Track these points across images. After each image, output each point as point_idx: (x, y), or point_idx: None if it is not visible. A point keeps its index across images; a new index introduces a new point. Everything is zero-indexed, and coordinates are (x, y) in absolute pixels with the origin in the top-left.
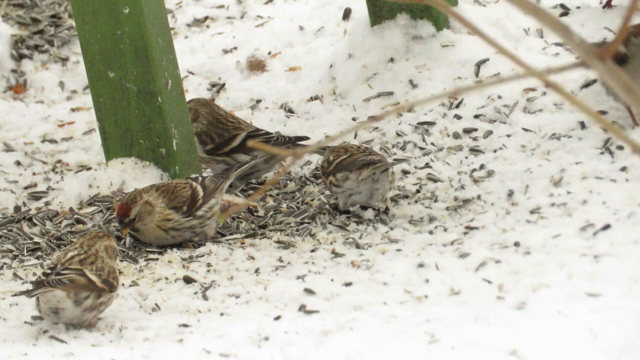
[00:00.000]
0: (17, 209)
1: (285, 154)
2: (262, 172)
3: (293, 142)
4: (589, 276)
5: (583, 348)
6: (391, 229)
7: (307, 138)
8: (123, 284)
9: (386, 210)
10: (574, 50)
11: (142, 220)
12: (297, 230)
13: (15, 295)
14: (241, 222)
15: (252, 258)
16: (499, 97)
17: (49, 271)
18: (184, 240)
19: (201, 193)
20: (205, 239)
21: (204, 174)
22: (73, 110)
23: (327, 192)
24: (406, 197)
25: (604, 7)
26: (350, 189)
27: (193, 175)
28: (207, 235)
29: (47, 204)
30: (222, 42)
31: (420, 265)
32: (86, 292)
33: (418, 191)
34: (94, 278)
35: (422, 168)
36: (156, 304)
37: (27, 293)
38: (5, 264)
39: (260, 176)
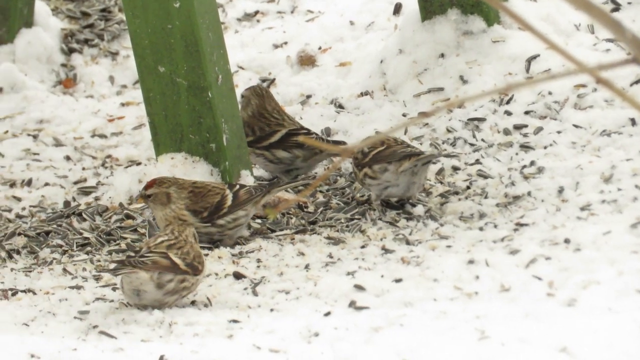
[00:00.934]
0: (66, 204)
1: (336, 150)
2: (301, 171)
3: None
4: (639, 273)
5: (633, 345)
6: (441, 225)
7: (344, 143)
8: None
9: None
10: (625, 46)
11: (153, 203)
12: (347, 226)
13: (100, 271)
14: (291, 218)
15: (302, 254)
16: (550, 93)
17: (133, 254)
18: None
19: (229, 203)
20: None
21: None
22: (123, 104)
23: (357, 185)
24: (456, 193)
25: None
26: (388, 182)
27: (239, 183)
28: (224, 244)
29: (96, 199)
30: (272, 36)
31: (471, 262)
32: (169, 275)
33: (468, 187)
34: (177, 261)
35: (472, 164)
36: (207, 299)
37: (113, 271)
38: (54, 259)
39: (301, 174)
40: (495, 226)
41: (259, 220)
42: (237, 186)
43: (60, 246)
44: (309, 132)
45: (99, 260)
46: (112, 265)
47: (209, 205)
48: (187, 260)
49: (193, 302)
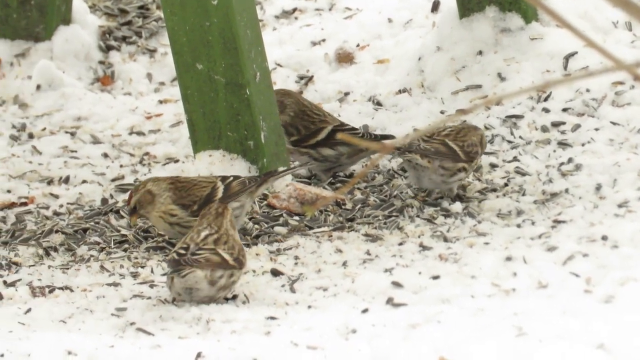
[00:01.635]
0: (104, 201)
1: (374, 147)
2: (344, 167)
3: (378, 140)
4: None
5: None
6: (479, 222)
7: (392, 137)
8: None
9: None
10: None
11: (144, 209)
12: (385, 223)
13: (164, 274)
14: (329, 215)
15: (340, 251)
16: (588, 90)
17: (182, 251)
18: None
19: (220, 195)
20: None
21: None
22: (161, 102)
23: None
24: (494, 190)
25: None
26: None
27: (234, 175)
28: None
29: None
30: (310, 34)
31: (508, 259)
32: (220, 271)
33: (506, 184)
34: (226, 257)
35: (510, 161)
36: (244, 296)
37: (175, 273)
38: (92, 256)
39: (345, 170)
40: (533, 223)
41: (296, 218)
42: (231, 178)
43: (98, 243)
44: (354, 129)
45: (136, 258)
46: (166, 266)
47: (197, 199)
48: (234, 254)
49: (234, 297)
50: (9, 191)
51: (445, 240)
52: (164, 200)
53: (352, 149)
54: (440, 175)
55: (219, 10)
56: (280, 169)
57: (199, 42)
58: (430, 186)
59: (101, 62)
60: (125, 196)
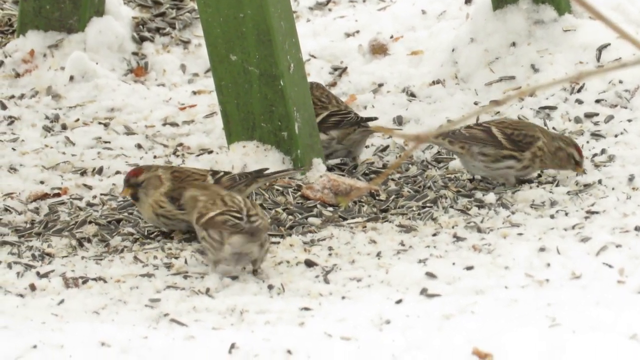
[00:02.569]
0: None
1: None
2: (339, 154)
3: (360, 122)
4: None
5: None
6: (513, 213)
7: (375, 118)
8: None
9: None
10: None
11: (145, 190)
12: (419, 214)
13: (233, 233)
14: (363, 206)
15: (374, 242)
16: (620, 81)
17: (239, 215)
18: (176, 230)
19: None
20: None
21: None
22: (194, 93)
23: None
24: (528, 181)
25: None
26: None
27: (225, 170)
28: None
29: None
30: (344, 25)
31: (542, 250)
32: (266, 234)
33: (539, 175)
34: (268, 220)
35: None
36: (279, 287)
37: (252, 234)
38: (125, 247)
39: (339, 157)
40: (566, 214)
41: (330, 208)
42: (221, 173)
43: (131, 234)
44: (348, 113)
45: (170, 249)
46: (235, 229)
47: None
48: (267, 219)
49: (269, 287)
50: (42, 182)
51: (479, 231)
52: (161, 190)
53: (340, 132)
54: (480, 161)
55: (253, 1)
56: (270, 170)
57: (233, 33)
58: (479, 173)
59: (135, 54)
60: None
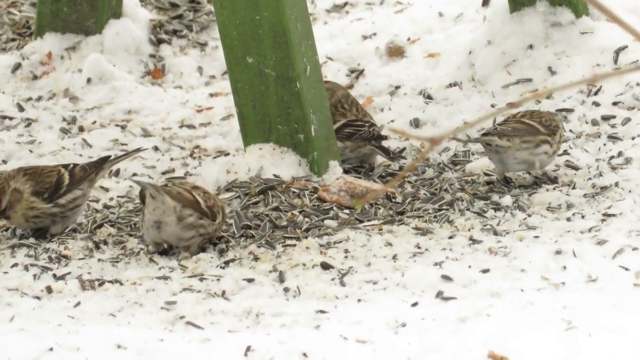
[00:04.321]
0: None
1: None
2: (352, 161)
3: (374, 138)
4: None
5: None
6: (529, 215)
7: (385, 138)
8: (255, 267)
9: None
10: None
11: (13, 209)
12: (435, 216)
13: (134, 182)
14: (379, 209)
15: (390, 244)
16: (638, 84)
17: (158, 183)
18: (43, 226)
19: (67, 181)
20: (52, 231)
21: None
22: (211, 95)
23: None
24: (544, 184)
25: None
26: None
27: (73, 162)
28: (61, 226)
29: None
30: (361, 28)
31: (558, 252)
32: (190, 209)
33: (556, 178)
34: (200, 200)
35: (560, 155)
36: (295, 290)
37: (138, 183)
38: (142, 249)
39: (351, 164)
40: (583, 217)
41: (346, 211)
42: (71, 165)
43: None
44: (362, 125)
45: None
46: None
47: (48, 185)
48: (208, 203)
49: (285, 290)
50: None
51: (495, 233)
52: (27, 194)
53: (353, 144)
54: (524, 149)
55: (269, 4)
56: (115, 155)
57: (249, 35)
58: (517, 167)
59: (152, 56)
60: None
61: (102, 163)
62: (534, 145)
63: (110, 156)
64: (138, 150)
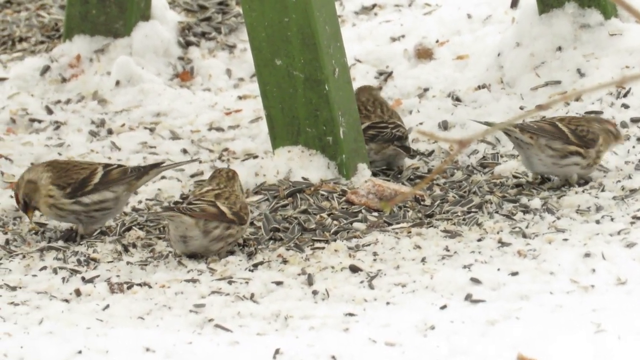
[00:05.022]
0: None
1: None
2: (377, 164)
3: (396, 139)
4: None
5: None
6: (558, 218)
7: (406, 138)
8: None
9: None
10: None
11: (33, 200)
12: (464, 219)
13: (143, 215)
14: (408, 211)
15: (419, 247)
16: None
17: (180, 200)
18: (68, 222)
19: (96, 180)
20: (75, 231)
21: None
22: (240, 98)
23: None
24: (573, 186)
25: None
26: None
27: (119, 163)
28: (87, 227)
29: None
30: (389, 29)
31: (587, 255)
32: (215, 222)
33: (585, 181)
34: (224, 209)
35: None
36: (323, 292)
37: (154, 214)
38: (170, 252)
39: (377, 166)
40: (612, 219)
41: (375, 214)
42: (115, 165)
43: None
44: (386, 127)
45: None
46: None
47: (72, 181)
48: (234, 209)
49: (314, 292)
50: None
51: (524, 236)
52: (44, 182)
53: (378, 146)
54: (549, 156)
55: (297, 6)
56: (167, 163)
57: (277, 38)
58: (543, 169)
59: (180, 58)
60: None
61: (149, 168)
62: (560, 155)
63: (161, 163)
64: (191, 160)
